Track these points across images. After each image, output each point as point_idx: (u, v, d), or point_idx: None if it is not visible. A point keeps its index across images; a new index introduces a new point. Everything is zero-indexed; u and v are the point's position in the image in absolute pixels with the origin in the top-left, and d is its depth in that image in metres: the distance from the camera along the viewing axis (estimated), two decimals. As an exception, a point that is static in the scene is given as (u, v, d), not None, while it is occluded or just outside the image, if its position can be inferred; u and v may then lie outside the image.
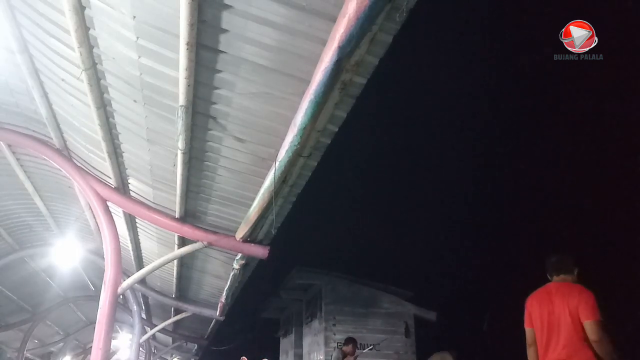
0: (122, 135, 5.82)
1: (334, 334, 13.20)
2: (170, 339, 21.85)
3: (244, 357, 14.16)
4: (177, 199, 6.39)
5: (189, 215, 6.94)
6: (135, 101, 4.92)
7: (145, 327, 16.78)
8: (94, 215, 8.77)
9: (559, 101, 27.32)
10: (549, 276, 4.09)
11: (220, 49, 3.80)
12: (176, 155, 5.25)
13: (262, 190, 5.03)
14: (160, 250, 9.50)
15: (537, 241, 22.59)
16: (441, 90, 34.55)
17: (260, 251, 6.83)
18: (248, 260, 7.69)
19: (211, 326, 16.66)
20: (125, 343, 22.70)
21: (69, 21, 4.06)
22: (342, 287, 13.91)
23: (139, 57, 4.22)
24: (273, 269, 15.79)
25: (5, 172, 8.65)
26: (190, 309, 12.81)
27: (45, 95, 5.91)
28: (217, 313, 11.92)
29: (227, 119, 4.64)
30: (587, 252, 17.52)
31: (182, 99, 4.21)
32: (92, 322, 15.62)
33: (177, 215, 6.89)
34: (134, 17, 3.80)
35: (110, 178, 6.86)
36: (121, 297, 10.14)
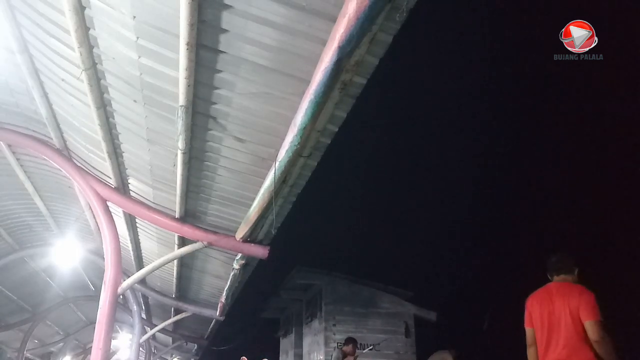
0: (122, 135, 5.82)
1: (334, 334, 13.20)
2: (170, 339, 21.85)
3: (244, 357, 14.16)
4: (177, 199, 6.39)
5: (189, 215, 6.94)
6: (135, 101, 4.92)
7: (145, 327, 16.78)
8: (94, 215, 8.77)
9: (559, 101, 27.33)
10: (549, 276, 4.09)
11: (220, 49, 3.80)
12: (176, 155, 5.25)
13: (262, 190, 5.03)
14: (160, 250, 9.50)
15: (537, 241, 22.59)
16: (441, 90, 34.57)
17: (260, 251, 6.83)
18: (248, 260, 7.69)
19: (211, 326, 16.66)
20: (125, 343, 22.71)
21: (69, 21, 4.06)
22: (342, 287, 13.91)
23: (139, 57, 4.22)
24: (273, 269, 15.76)
25: (5, 172, 8.65)
26: (190, 309, 12.81)
27: (45, 95, 5.91)
28: (217, 313, 11.92)
29: (227, 119, 4.64)
30: (587, 252, 17.52)
31: (182, 99, 4.21)
32: (92, 322, 15.64)
33: (177, 215, 6.89)
34: (134, 17, 3.80)
35: (110, 178, 6.86)
36: (121, 297, 10.13)
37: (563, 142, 26.64)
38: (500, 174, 31.16)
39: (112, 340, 7.04)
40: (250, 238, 6.66)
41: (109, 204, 7.04)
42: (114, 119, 5.50)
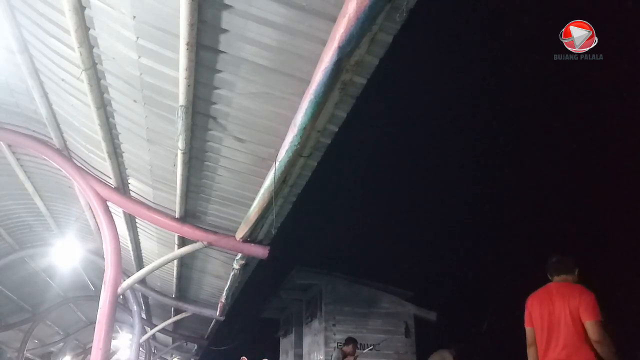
0: (122, 135, 5.82)
1: (334, 334, 13.20)
2: (170, 339, 21.85)
3: (244, 357, 14.15)
4: (177, 199, 6.39)
5: (189, 215, 6.94)
6: (135, 101, 4.93)
7: (145, 327, 16.78)
8: (94, 215, 8.77)
9: (558, 101, 27.31)
10: (549, 276, 4.10)
11: (220, 49, 3.80)
12: (176, 155, 5.25)
13: (262, 190, 5.03)
14: (160, 250, 9.50)
15: (537, 241, 22.58)
16: (441, 90, 34.56)
17: (260, 251, 6.83)
18: (248, 260, 7.69)
19: (211, 326, 16.66)
20: (125, 343, 22.70)
21: (69, 21, 4.06)
22: (342, 287, 13.91)
23: (139, 57, 4.22)
24: (273, 269, 15.80)
25: (5, 172, 8.65)
26: (190, 309, 12.81)
27: (45, 95, 5.91)
28: (217, 313, 11.93)
29: (227, 119, 4.64)
30: (587, 252, 17.53)
31: (182, 99, 4.21)
32: (92, 322, 15.63)
33: (177, 215, 6.89)
34: (134, 17, 3.80)
35: (110, 178, 6.86)
36: (121, 297, 10.14)
37: (563, 142, 26.63)
38: (500, 174, 31.17)
39: (112, 340, 7.04)
40: (250, 238, 6.66)
41: (109, 204, 7.04)
42: (114, 119, 5.51)
